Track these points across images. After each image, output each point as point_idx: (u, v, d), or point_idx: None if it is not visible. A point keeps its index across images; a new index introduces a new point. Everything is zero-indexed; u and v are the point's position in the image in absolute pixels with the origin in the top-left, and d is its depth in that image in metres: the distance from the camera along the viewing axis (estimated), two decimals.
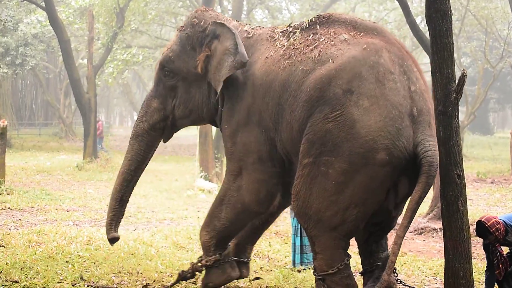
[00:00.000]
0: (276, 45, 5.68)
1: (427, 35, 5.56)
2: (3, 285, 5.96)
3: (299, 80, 5.30)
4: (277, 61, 5.53)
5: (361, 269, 5.77)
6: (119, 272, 6.84)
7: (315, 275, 5.34)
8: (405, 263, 8.14)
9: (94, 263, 7.28)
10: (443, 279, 5.30)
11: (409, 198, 5.06)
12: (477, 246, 9.70)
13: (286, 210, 6.52)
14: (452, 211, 4.90)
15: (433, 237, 10.70)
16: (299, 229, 7.96)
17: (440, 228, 10.52)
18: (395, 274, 5.48)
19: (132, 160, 6.37)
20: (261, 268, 7.67)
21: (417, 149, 5.00)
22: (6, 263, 6.85)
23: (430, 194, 13.98)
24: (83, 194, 15.17)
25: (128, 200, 6.47)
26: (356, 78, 5.05)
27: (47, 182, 17.23)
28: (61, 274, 6.52)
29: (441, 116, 4.92)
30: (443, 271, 5.14)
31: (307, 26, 5.66)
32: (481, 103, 28.22)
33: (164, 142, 6.59)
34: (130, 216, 12.11)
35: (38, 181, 16.88)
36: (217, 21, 6.00)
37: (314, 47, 5.40)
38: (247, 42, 5.92)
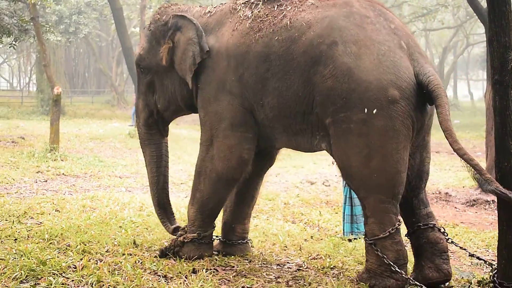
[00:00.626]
0: (240, 17, 5.82)
1: (482, 4, 5.46)
2: (58, 249, 6.08)
3: (278, 50, 5.43)
4: (246, 33, 5.67)
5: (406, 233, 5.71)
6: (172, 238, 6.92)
7: (366, 240, 5.33)
8: (456, 235, 8.07)
9: (147, 229, 7.38)
10: (495, 251, 5.25)
11: (439, 121, 5.02)
12: None
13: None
14: (507, 182, 4.83)
15: (485, 209, 10.58)
16: (349, 199, 7.96)
17: (492, 200, 10.43)
18: (445, 234, 5.49)
19: (151, 164, 6.65)
20: (311, 236, 7.69)
21: (420, 79, 5.09)
22: (62, 227, 6.97)
23: (483, 165, 13.79)
24: (135, 161, 15.37)
25: (169, 201, 6.72)
26: (336, 30, 5.19)
27: (100, 149, 17.49)
28: (115, 239, 6.62)
29: (497, 85, 4.84)
30: (496, 243, 5.08)
31: None
32: None
33: (165, 136, 6.74)
34: (181, 183, 12.26)
35: (91, 148, 17.15)
36: (178, 13, 6.18)
37: (282, 16, 5.54)
38: (210, 19, 6.10)
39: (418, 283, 5.18)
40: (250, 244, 6.57)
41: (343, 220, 8.04)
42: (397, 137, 5.04)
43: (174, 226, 6.50)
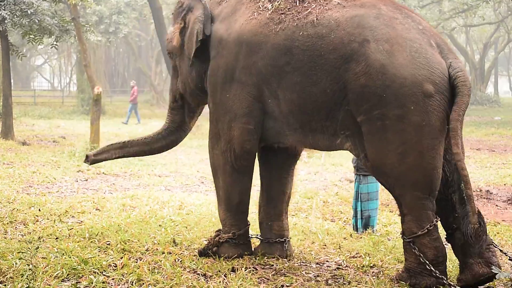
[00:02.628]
0: (259, 7, 5.77)
1: None
2: (99, 247, 6.14)
3: (302, 44, 5.37)
4: (265, 23, 5.61)
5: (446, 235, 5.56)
6: (211, 236, 6.93)
7: (404, 238, 5.29)
8: (498, 233, 7.96)
9: (186, 227, 7.41)
10: None
11: (450, 119, 5.00)
12: None
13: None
14: None
15: None
16: (360, 194, 7.94)
17: None
18: (491, 239, 5.36)
19: (166, 142, 6.82)
20: (350, 235, 7.65)
21: (449, 72, 5.08)
22: (102, 226, 7.04)
23: None
24: (174, 160, 15.44)
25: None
26: (367, 29, 5.17)
27: None
28: (154, 238, 6.66)
29: None
30: None
31: None
32: None
33: (189, 123, 6.74)
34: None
35: None
36: None
37: (308, 12, 5.49)
38: (226, 4, 6.08)
39: (451, 284, 5.12)
40: (289, 242, 6.39)
41: (355, 216, 8.01)
42: (433, 132, 5.01)
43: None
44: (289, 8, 5.61)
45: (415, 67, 4.98)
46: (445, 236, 5.48)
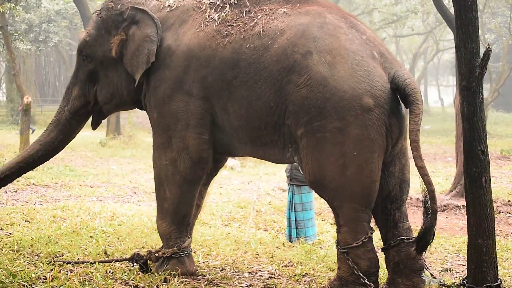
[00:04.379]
0: (206, 18, 5.68)
1: (451, 10, 5.52)
2: (28, 260, 6.03)
3: (249, 58, 5.33)
4: (212, 36, 5.54)
5: (383, 246, 5.60)
6: (142, 247, 6.88)
7: (338, 248, 5.30)
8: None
9: (118, 238, 7.34)
10: (466, 256, 5.29)
11: (409, 130, 4.98)
12: (500, 223, 9.70)
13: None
14: (475, 187, 4.88)
15: (456, 214, 10.67)
16: (293, 204, 8.02)
17: (463, 205, 10.51)
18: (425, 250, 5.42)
19: (43, 144, 6.30)
20: (283, 244, 7.71)
21: (395, 82, 5.07)
22: (32, 238, 6.92)
23: (453, 171, 13.93)
24: (106, 170, 15.30)
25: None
26: (310, 40, 5.17)
27: (70, 159, 17.38)
28: (85, 249, 6.58)
29: (465, 91, 4.89)
30: (466, 248, 5.12)
31: (236, 2, 5.71)
32: (505, 80, 27.86)
33: (93, 129, 6.54)
34: (153, 192, 12.18)
35: (62, 157, 16.99)
36: (137, 6, 5.96)
37: (254, 24, 5.46)
38: (171, 14, 5.91)
39: None
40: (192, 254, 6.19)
41: (289, 226, 8.09)
42: (372, 146, 5.02)
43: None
44: (235, 20, 5.55)
45: (356, 80, 4.98)
46: (381, 248, 5.55)
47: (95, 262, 5.97)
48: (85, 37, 6.16)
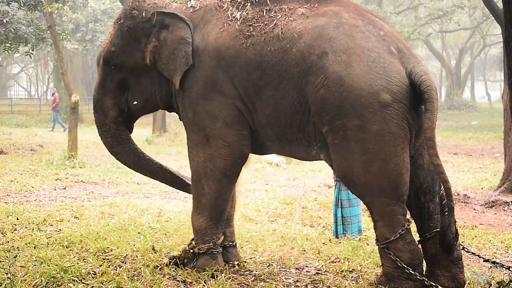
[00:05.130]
0: (228, 17, 5.70)
1: (499, 4, 5.44)
2: (78, 255, 6.12)
3: (271, 60, 5.38)
4: (235, 36, 5.56)
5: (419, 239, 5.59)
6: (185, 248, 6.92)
7: (378, 245, 5.33)
8: (475, 236, 8.03)
9: (165, 234, 7.41)
10: None
11: (425, 128, 5.03)
12: None
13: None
14: None
15: (504, 210, 10.49)
16: (340, 200, 7.99)
17: (511, 201, 10.36)
18: (459, 241, 5.39)
19: (139, 156, 6.79)
20: (330, 240, 7.68)
21: (411, 78, 5.10)
22: (81, 234, 7.02)
23: (501, 167, 13.72)
24: None
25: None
26: (326, 41, 5.21)
27: None
28: (134, 245, 6.65)
29: None
30: None
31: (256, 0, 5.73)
32: None
33: (131, 132, 6.62)
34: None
35: (109, 155, 17.03)
36: (163, 10, 5.94)
37: (274, 25, 5.48)
38: (195, 15, 5.91)
39: (433, 284, 5.16)
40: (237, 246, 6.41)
41: (335, 222, 8.06)
42: (394, 140, 5.04)
43: None
44: (256, 19, 5.57)
45: (372, 77, 5.01)
46: (418, 240, 5.52)
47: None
48: (109, 47, 6.12)
